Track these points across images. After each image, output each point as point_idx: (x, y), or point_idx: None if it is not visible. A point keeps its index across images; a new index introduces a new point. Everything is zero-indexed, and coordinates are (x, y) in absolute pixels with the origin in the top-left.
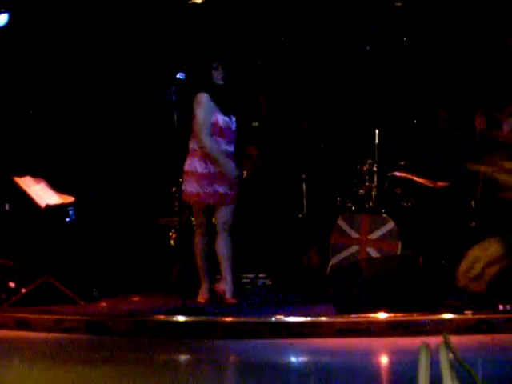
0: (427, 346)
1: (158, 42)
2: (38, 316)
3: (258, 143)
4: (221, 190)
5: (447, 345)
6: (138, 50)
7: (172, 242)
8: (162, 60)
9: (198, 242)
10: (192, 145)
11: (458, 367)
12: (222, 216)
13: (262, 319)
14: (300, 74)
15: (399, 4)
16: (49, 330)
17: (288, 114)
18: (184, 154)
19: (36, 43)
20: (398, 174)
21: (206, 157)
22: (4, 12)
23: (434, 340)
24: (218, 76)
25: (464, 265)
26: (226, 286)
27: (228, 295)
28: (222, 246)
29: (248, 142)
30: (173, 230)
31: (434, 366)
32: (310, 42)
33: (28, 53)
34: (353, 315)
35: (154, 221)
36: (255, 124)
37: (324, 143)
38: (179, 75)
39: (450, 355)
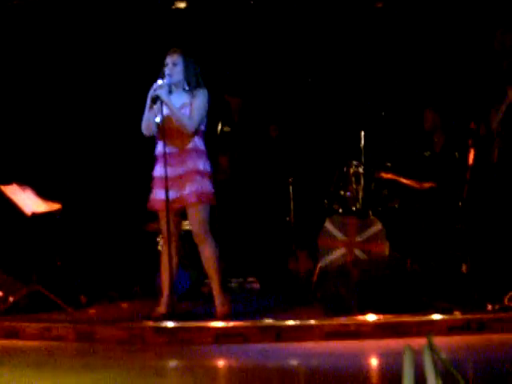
0: (411, 347)
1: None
2: (26, 324)
3: (228, 149)
4: (185, 191)
5: (431, 347)
6: (127, 53)
7: (160, 247)
8: (153, 62)
9: (164, 253)
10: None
11: (443, 369)
12: (200, 218)
13: (250, 323)
14: (284, 75)
15: (380, 5)
16: (37, 338)
17: (262, 118)
18: None
19: (20, 52)
20: (384, 175)
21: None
22: None
23: (423, 341)
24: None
25: None
26: (215, 297)
27: (219, 308)
28: (207, 255)
29: (219, 152)
30: (160, 236)
31: (421, 367)
32: (291, 42)
33: (13, 58)
34: (341, 318)
35: (141, 227)
36: (227, 129)
37: (310, 146)
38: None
39: (435, 357)
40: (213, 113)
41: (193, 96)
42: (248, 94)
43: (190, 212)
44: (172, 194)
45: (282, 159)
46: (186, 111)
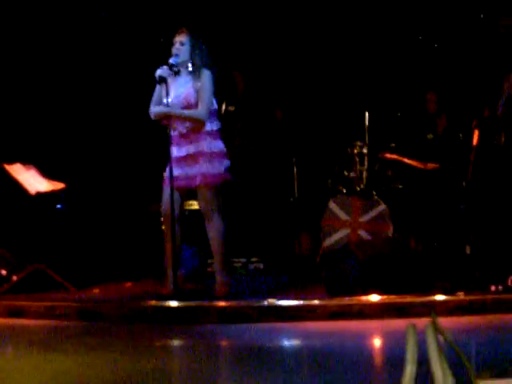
0: (414, 326)
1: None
2: (30, 303)
3: (232, 129)
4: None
5: (435, 325)
6: (130, 38)
7: (164, 227)
8: (155, 48)
9: (167, 233)
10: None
11: (446, 347)
12: (206, 198)
13: (254, 303)
14: (289, 57)
15: None
16: (41, 317)
17: (264, 96)
18: None
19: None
20: (388, 156)
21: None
22: None
23: (426, 321)
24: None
25: None
26: (216, 276)
27: (218, 287)
28: (213, 234)
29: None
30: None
31: (425, 346)
32: (297, 22)
33: (16, 41)
34: (345, 298)
35: (146, 206)
36: (231, 108)
37: (315, 127)
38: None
39: (438, 336)
40: (218, 92)
41: (197, 77)
42: (255, 74)
43: (199, 192)
44: (180, 173)
45: (287, 140)
46: (190, 92)
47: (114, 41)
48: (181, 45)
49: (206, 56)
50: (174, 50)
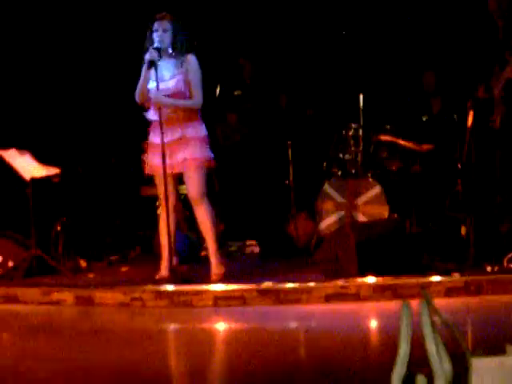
0: (408, 305)
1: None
2: (25, 288)
3: (239, 111)
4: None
5: (428, 304)
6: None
7: (158, 211)
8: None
9: (162, 217)
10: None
11: (440, 324)
12: (196, 183)
13: (250, 286)
14: (283, 40)
15: None
16: (37, 303)
17: (270, 82)
18: None
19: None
20: (383, 137)
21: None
22: None
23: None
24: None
25: None
26: (210, 259)
27: (213, 270)
28: (203, 217)
29: (228, 110)
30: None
31: (419, 325)
32: (293, 7)
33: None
34: (341, 280)
35: (137, 190)
36: (238, 92)
37: (309, 109)
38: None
39: (431, 311)
40: (225, 76)
41: (183, 62)
42: (260, 60)
43: (187, 176)
44: (168, 160)
45: (283, 123)
46: (179, 79)
47: (101, 25)
48: (164, 31)
49: (187, 41)
50: (156, 37)
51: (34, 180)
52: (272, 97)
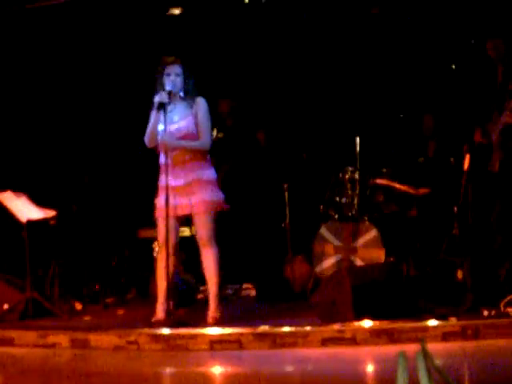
0: (405, 353)
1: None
2: (21, 331)
3: (224, 155)
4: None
5: (425, 352)
6: (123, 59)
7: (155, 254)
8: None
9: (160, 260)
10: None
11: (437, 375)
12: (206, 225)
13: (246, 330)
14: (279, 82)
15: (376, 11)
16: (32, 346)
17: (252, 122)
18: None
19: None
20: (379, 181)
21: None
22: None
23: (419, 347)
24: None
25: None
26: (209, 302)
27: (210, 314)
28: (209, 262)
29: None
30: (155, 242)
31: (416, 373)
32: (287, 45)
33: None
34: (337, 324)
35: (135, 232)
36: (220, 135)
37: (304, 153)
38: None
39: (428, 363)
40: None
41: (194, 105)
42: (239, 97)
43: (197, 218)
44: (181, 202)
45: (274, 164)
46: (189, 121)
47: (106, 66)
48: (176, 76)
49: (193, 85)
50: (168, 81)
51: (29, 222)
52: (251, 136)
